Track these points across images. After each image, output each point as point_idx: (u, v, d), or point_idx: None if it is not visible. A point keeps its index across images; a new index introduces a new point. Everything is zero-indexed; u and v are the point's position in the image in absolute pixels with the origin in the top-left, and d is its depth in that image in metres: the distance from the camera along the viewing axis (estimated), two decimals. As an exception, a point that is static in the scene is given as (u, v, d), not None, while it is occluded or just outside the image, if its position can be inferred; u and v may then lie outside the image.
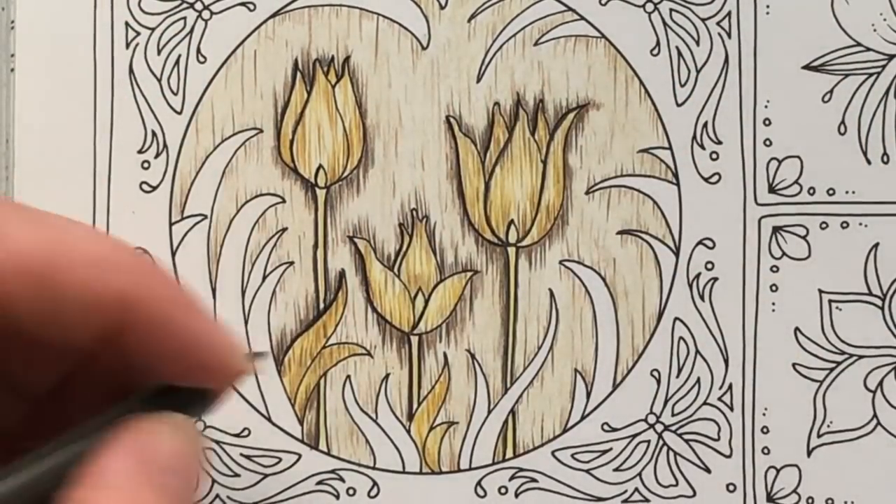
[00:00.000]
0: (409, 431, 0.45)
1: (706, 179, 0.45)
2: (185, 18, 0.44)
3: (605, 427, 0.45)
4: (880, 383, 0.45)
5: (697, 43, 0.45)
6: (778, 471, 0.45)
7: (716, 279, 0.45)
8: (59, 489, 0.31)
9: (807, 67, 0.45)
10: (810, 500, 0.45)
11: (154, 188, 0.44)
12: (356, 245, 0.45)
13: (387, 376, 0.45)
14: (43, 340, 0.33)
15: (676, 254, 0.45)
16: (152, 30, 0.44)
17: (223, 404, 0.35)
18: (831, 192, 0.45)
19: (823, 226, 0.45)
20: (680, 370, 0.45)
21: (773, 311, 0.45)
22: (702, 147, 0.45)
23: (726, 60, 0.45)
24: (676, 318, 0.45)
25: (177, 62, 0.44)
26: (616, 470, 0.45)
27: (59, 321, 0.32)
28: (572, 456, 0.45)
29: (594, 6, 0.45)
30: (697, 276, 0.45)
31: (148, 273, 0.34)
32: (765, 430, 0.45)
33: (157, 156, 0.44)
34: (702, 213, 0.45)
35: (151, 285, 0.33)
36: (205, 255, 0.44)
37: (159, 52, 0.44)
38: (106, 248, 0.33)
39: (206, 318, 0.35)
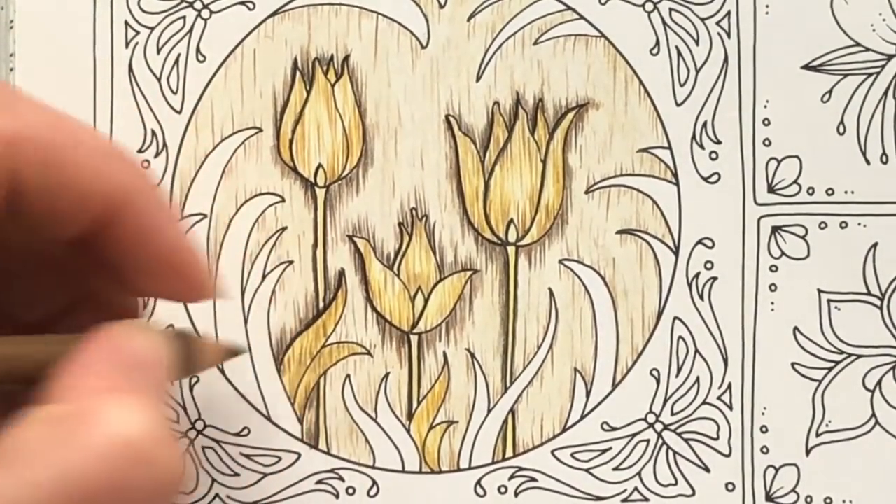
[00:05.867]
0: (408, 431, 0.45)
1: (705, 179, 0.45)
2: (184, 18, 0.44)
3: (605, 426, 0.45)
4: (879, 383, 0.45)
5: (697, 42, 0.45)
6: (777, 470, 0.45)
7: (715, 279, 0.45)
8: (41, 374, 0.33)
9: (806, 67, 0.45)
10: (809, 500, 0.45)
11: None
12: (356, 244, 0.45)
13: (386, 375, 0.45)
14: (39, 223, 0.34)
15: (676, 253, 0.45)
16: (152, 29, 0.44)
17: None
18: (830, 191, 0.45)
19: (822, 225, 0.45)
20: (679, 369, 0.45)
21: (773, 310, 0.45)
22: (701, 147, 0.45)
23: (726, 60, 0.45)
24: (676, 318, 0.45)
25: (176, 61, 0.44)
26: (615, 469, 0.45)
27: (57, 203, 0.34)
28: (572, 455, 0.45)
29: (594, 5, 0.45)
30: (697, 275, 0.45)
31: (142, 176, 0.36)
32: (764, 429, 0.45)
33: (157, 155, 0.44)
34: (701, 213, 0.45)
35: (144, 188, 0.35)
36: (204, 254, 0.44)
37: (159, 51, 0.44)
38: (107, 143, 0.36)
39: (185, 235, 0.37)
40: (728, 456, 0.45)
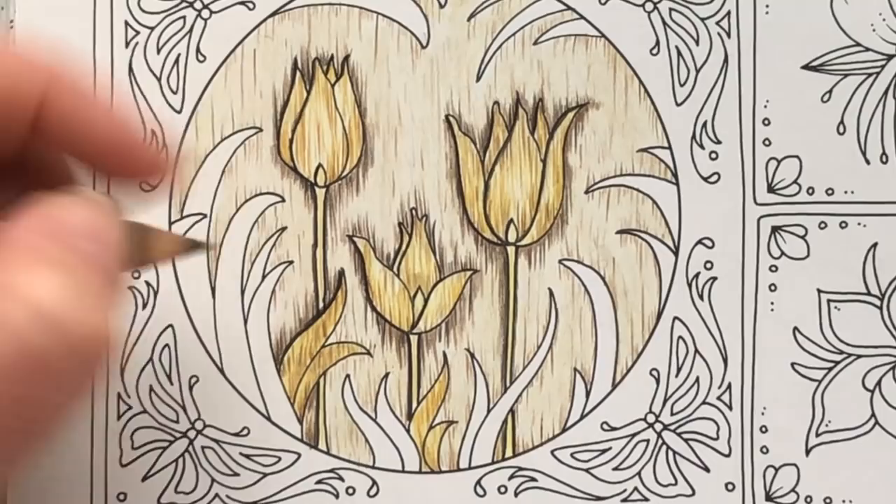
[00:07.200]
0: (408, 431, 0.45)
1: (705, 179, 0.45)
2: (184, 17, 0.44)
3: (605, 426, 0.45)
4: (878, 383, 0.45)
5: (697, 42, 0.45)
6: (776, 470, 0.45)
7: (715, 279, 0.45)
8: None
9: (806, 67, 0.45)
10: (808, 500, 0.45)
11: (154, 187, 0.44)
12: (355, 244, 0.45)
13: (386, 375, 0.45)
14: None
15: (676, 253, 0.45)
16: (152, 29, 0.44)
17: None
18: (830, 191, 0.45)
19: (822, 225, 0.45)
20: (679, 369, 0.45)
21: (772, 310, 0.45)
22: (701, 147, 0.45)
23: (726, 60, 0.45)
24: (675, 318, 0.45)
25: (176, 61, 0.44)
26: (615, 469, 0.45)
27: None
28: (572, 455, 0.45)
29: (594, 5, 0.45)
30: (697, 275, 0.45)
31: (61, 64, 0.35)
32: (763, 429, 0.45)
33: (157, 155, 0.44)
34: (701, 213, 0.45)
35: (64, 73, 0.35)
36: (204, 254, 0.44)
37: (159, 51, 0.44)
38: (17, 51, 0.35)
39: (117, 112, 0.36)
40: (728, 456, 0.45)
